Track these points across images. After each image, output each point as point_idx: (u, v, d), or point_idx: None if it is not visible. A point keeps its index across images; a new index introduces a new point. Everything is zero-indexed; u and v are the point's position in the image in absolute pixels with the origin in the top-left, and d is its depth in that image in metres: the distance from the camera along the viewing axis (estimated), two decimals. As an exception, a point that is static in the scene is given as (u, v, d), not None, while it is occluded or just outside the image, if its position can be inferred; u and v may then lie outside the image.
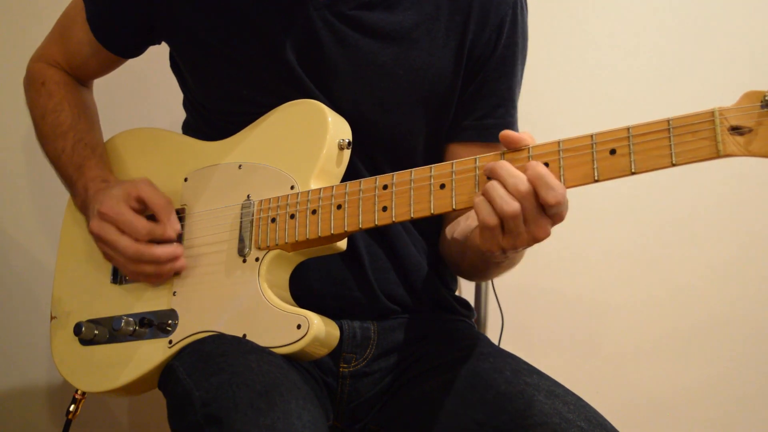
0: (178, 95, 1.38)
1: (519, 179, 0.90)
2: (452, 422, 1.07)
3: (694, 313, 1.85)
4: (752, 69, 1.80)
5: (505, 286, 1.59)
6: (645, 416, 1.85)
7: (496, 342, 1.31)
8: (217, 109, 1.26)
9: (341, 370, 1.19)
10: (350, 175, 1.13)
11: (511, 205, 0.89)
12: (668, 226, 1.84)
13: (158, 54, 1.36)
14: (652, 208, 1.82)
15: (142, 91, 1.86)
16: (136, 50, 1.35)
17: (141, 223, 1.14)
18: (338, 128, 1.14)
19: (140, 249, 1.13)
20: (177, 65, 1.32)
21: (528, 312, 1.84)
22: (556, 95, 1.85)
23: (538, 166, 0.90)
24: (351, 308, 1.19)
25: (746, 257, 1.84)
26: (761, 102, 0.81)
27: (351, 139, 1.14)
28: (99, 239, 1.17)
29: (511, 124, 1.23)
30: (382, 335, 1.20)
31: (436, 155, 1.24)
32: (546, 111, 1.79)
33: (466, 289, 1.39)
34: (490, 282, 1.63)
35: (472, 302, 1.38)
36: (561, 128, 1.72)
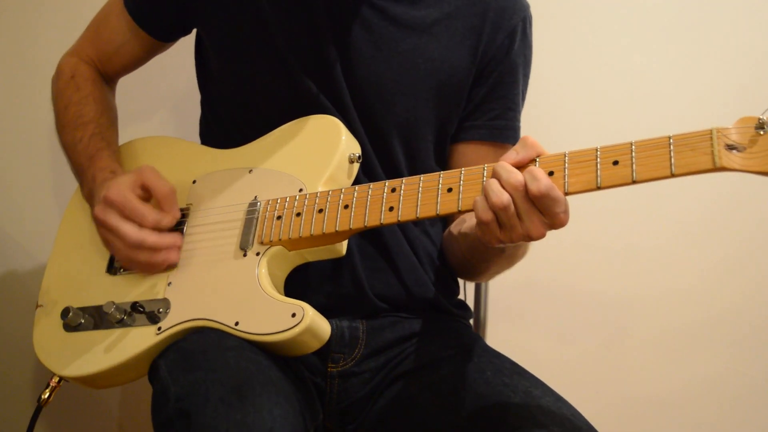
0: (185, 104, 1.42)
1: (513, 174, 0.95)
2: (435, 427, 1.08)
3: (693, 312, 1.86)
4: (752, 71, 1.86)
5: (505, 286, 1.60)
6: (645, 416, 1.85)
7: (499, 344, 1.31)
8: (238, 100, 1.30)
9: (329, 369, 1.20)
10: (364, 168, 1.20)
11: (501, 197, 0.94)
12: (666, 226, 1.87)
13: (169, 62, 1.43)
14: (650, 209, 1.85)
15: (154, 100, 1.90)
16: (169, 33, 1.39)
17: (147, 211, 1.16)
18: (350, 143, 1.20)
19: (142, 236, 1.15)
20: (202, 56, 1.37)
21: (526, 313, 1.85)
22: (557, 101, 1.90)
23: (532, 166, 0.96)
24: (339, 306, 1.21)
25: (745, 256, 1.86)
26: (755, 125, 0.88)
27: (361, 155, 1.19)
28: (102, 224, 1.19)
29: (518, 128, 1.32)
30: (370, 335, 1.22)
31: (442, 147, 1.31)
32: (548, 118, 1.83)
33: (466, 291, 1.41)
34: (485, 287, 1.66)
35: (471, 303, 1.40)
36: (562, 133, 1.80)
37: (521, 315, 1.84)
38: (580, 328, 1.89)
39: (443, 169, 1.31)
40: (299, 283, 1.19)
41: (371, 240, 1.23)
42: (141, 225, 1.16)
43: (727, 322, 1.87)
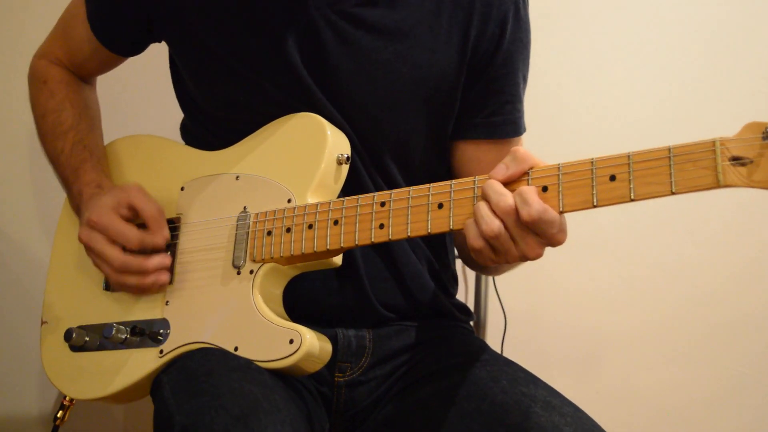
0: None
1: (503, 196, 0.90)
2: (448, 431, 1.06)
3: (699, 320, 1.86)
4: (756, 70, 1.83)
5: (507, 289, 1.59)
6: (647, 421, 1.86)
7: (498, 344, 1.31)
8: (215, 114, 1.25)
9: (336, 379, 1.18)
10: (355, 174, 1.15)
11: (492, 225, 0.90)
12: (674, 233, 1.85)
13: (159, 56, 1.36)
14: (656, 214, 1.83)
15: (143, 93, 1.85)
16: (137, 49, 1.34)
17: (132, 232, 1.13)
18: (337, 143, 1.13)
19: (127, 260, 1.13)
20: (176, 66, 1.31)
21: (530, 315, 1.84)
22: (557, 97, 1.86)
23: (524, 186, 0.91)
24: (346, 316, 1.18)
25: (751, 265, 1.85)
26: (762, 134, 0.81)
27: (350, 154, 1.13)
28: (87, 248, 1.17)
29: (519, 119, 1.23)
30: (377, 343, 1.20)
31: (439, 152, 1.24)
32: (547, 114, 1.79)
33: (467, 292, 1.39)
34: (492, 285, 1.64)
35: (472, 305, 1.38)
36: (562, 132, 1.75)
37: (522, 318, 1.82)
38: (581, 330, 1.86)
39: (443, 169, 1.27)
40: (304, 294, 1.16)
41: (375, 247, 1.19)
42: (126, 247, 1.13)
43: (734, 330, 1.86)
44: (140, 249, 1.14)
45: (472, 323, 1.33)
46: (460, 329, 1.27)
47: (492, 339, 1.49)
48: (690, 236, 1.85)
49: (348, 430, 1.21)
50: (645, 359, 1.87)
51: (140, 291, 1.16)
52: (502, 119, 1.21)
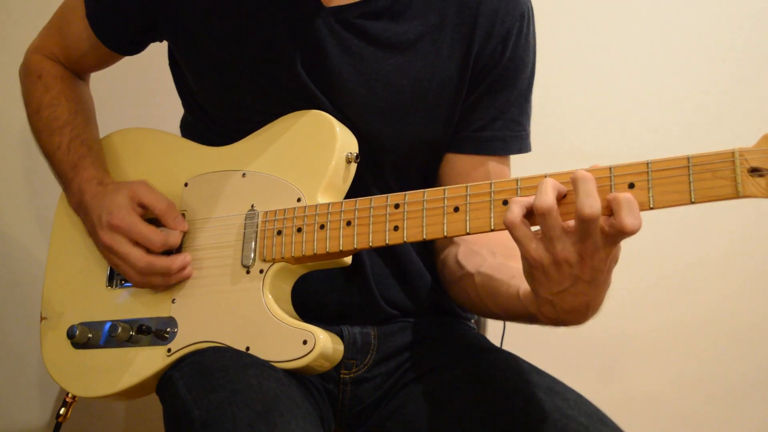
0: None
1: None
2: (453, 422, 1.08)
3: (695, 311, 1.89)
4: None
5: None
6: (645, 415, 1.89)
7: (497, 343, 1.31)
8: (219, 115, 1.25)
9: (342, 376, 1.19)
10: (354, 181, 1.13)
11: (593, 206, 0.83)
12: (662, 225, 1.84)
13: (158, 51, 1.34)
14: (652, 217, 1.85)
15: (143, 89, 1.83)
16: (137, 48, 1.33)
17: (156, 235, 1.13)
18: (346, 141, 1.13)
19: (152, 261, 1.13)
20: (176, 65, 1.30)
21: None
22: (559, 101, 1.85)
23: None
24: (351, 314, 1.19)
25: (738, 255, 1.88)
26: (781, 145, 0.82)
27: (358, 153, 1.13)
28: (110, 251, 1.16)
29: (509, 138, 1.21)
30: (382, 340, 1.21)
31: (435, 163, 1.24)
32: (548, 118, 1.78)
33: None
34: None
35: None
36: (563, 135, 1.76)
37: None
38: (579, 333, 1.86)
39: (433, 178, 1.26)
40: (308, 291, 1.16)
41: (380, 248, 1.19)
42: (149, 249, 1.13)
43: (725, 320, 1.89)
44: (163, 249, 1.14)
45: (473, 321, 1.35)
46: (463, 326, 1.29)
47: (493, 338, 1.50)
48: (688, 236, 1.87)
49: (353, 427, 1.22)
50: (645, 360, 1.90)
51: (164, 289, 1.17)
52: (490, 135, 1.20)
